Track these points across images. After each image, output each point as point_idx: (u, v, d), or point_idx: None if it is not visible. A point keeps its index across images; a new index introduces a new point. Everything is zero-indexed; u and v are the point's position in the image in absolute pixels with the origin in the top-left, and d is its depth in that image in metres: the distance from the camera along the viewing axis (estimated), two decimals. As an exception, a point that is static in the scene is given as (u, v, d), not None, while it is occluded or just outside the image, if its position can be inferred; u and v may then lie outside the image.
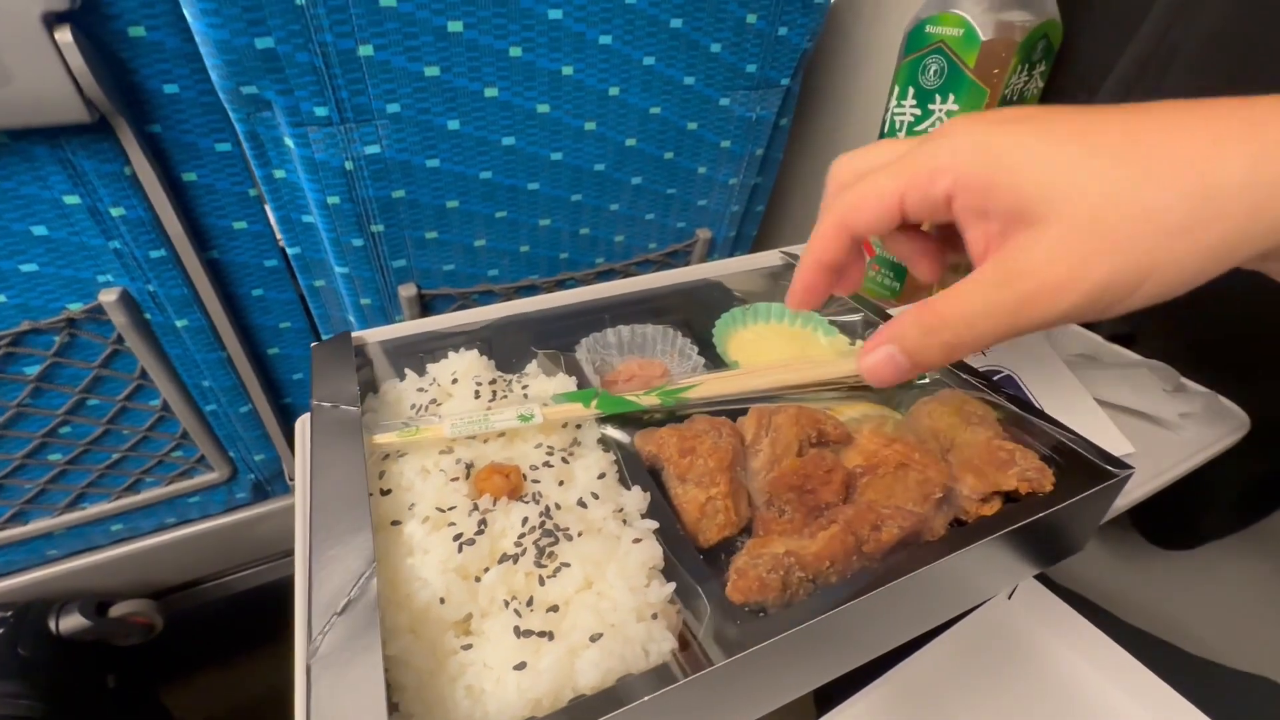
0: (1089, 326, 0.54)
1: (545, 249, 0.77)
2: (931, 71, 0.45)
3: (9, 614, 0.73)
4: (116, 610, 0.81)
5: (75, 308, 0.63)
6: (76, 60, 0.50)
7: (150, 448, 0.76)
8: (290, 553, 1.03)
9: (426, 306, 0.75)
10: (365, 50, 0.54)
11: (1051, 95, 0.47)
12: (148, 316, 0.66)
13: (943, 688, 0.44)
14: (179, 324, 0.68)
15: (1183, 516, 0.54)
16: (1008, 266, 0.24)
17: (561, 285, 0.81)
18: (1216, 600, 0.61)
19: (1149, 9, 0.40)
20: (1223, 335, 0.50)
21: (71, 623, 0.76)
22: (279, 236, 0.69)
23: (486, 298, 0.77)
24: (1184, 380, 0.46)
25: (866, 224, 0.30)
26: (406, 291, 0.71)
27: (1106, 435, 0.37)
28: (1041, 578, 0.51)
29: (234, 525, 0.89)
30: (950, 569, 0.27)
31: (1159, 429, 0.39)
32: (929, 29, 0.44)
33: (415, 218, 0.66)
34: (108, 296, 0.62)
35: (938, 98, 0.45)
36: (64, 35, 0.49)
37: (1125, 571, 0.64)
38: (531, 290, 0.79)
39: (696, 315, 0.48)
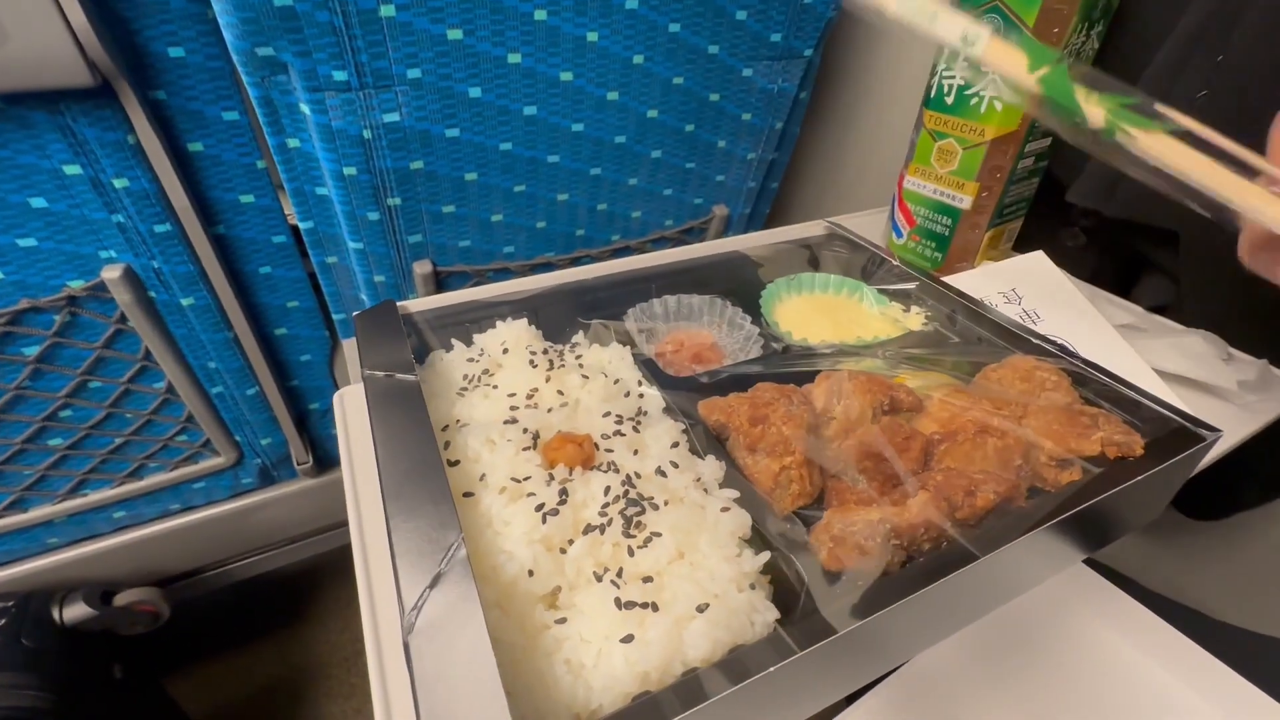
0: (1128, 297, 0.54)
1: (562, 225, 0.75)
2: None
3: (10, 604, 0.71)
4: (121, 599, 0.79)
5: (76, 285, 0.60)
6: (78, 17, 0.47)
7: (154, 432, 0.73)
8: (300, 538, 1.01)
9: (441, 284, 0.73)
10: (387, 10, 0.51)
11: (1108, 55, 0.46)
12: (152, 294, 0.64)
13: (970, 665, 0.44)
14: (184, 302, 0.65)
15: (1219, 486, 0.54)
16: None
17: (577, 262, 0.79)
18: (1242, 572, 0.62)
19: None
20: (1266, 303, 0.50)
21: (76, 612, 0.74)
22: (288, 211, 0.66)
23: (502, 275, 0.75)
24: (1232, 350, 0.45)
25: None
26: (421, 268, 0.69)
27: (1207, 364, 0.36)
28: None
29: (240, 511, 0.87)
30: (1044, 538, 0.26)
31: (1214, 397, 0.39)
32: (984, -13, 0.43)
33: (433, 190, 0.64)
34: (111, 273, 0.59)
35: (991, 60, 0.44)
36: (65, -10, 0.46)
37: (1151, 545, 0.64)
38: (547, 268, 0.77)
39: (739, 286, 0.46)
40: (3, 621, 0.69)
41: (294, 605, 1.15)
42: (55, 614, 0.73)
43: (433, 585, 0.21)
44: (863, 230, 0.58)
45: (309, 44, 0.50)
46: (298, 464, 0.85)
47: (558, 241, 0.77)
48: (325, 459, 0.89)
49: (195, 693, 0.99)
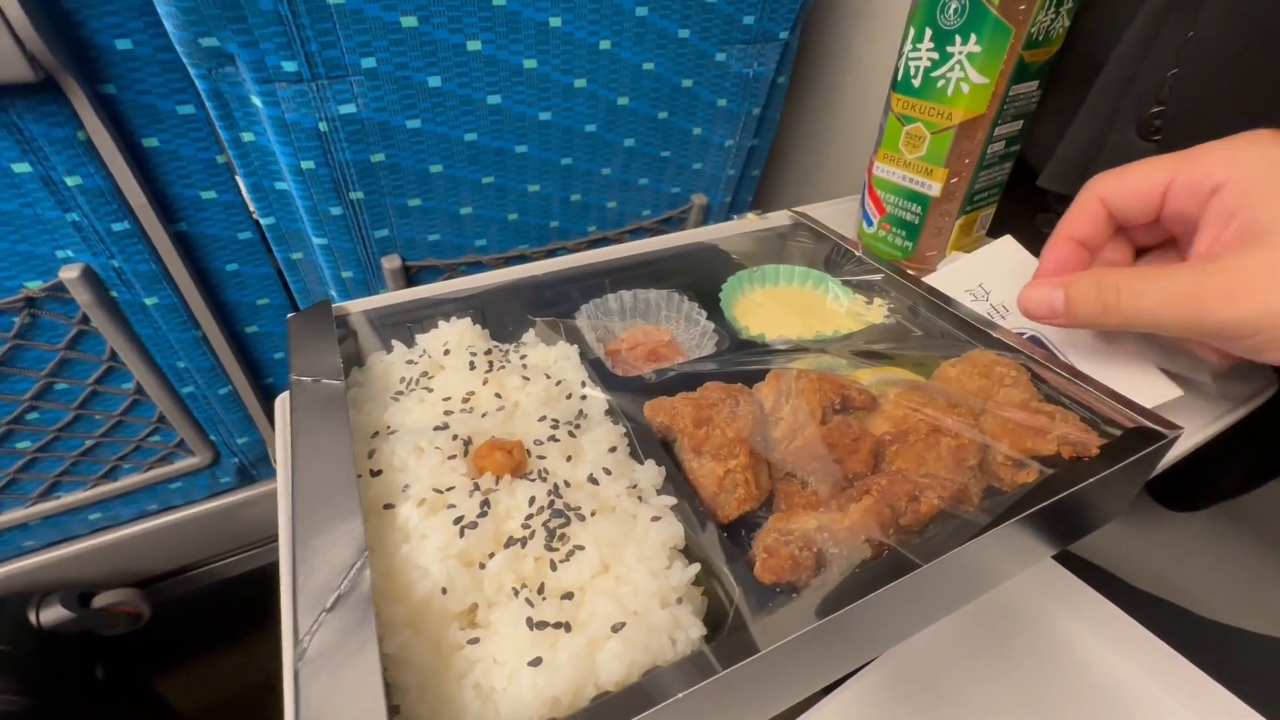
0: None
1: (535, 217, 0.73)
2: (951, 10, 0.42)
3: (-14, 608, 0.71)
4: (100, 600, 0.78)
5: (34, 286, 0.59)
6: (14, 10, 0.45)
7: (126, 432, 0.73)
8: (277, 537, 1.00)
9: (411, 279, 0.71)
10: (335, -3, 0.49)
11: (1078, 34, 0.44)
12: (114, 294, 0.63)
13: (944, 663, 0.43)
14: (148, 301, 0.64)
15: (1197, 476, 0.52)
16: (1220, 262, 0.27)
17: (553, 255, 0.78)
18: (1225, 563, 0.61)
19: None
20: None
21: (53, 615, 0.74)
22: (251, 207, 0.65)
23: (474, 269, 0.74)
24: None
25: (1126, 200, 0.33)
26: (390, 263, 0.68)
27: (1151, 383, 0.35)
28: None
29: (219, 511, 0.86)
30: (995, 541, 0.25)
31: (1189, 387, 0.37)
32: (949, -37, 0.41)
33: (397, 184, 0.62)
34: (69, 273, 0.58)
35: (958, 39, 0.42)
36: (-2, -18, 0.44)
37: (1132, 537, 0.63)
38: (521, 260, 0.76)
39: (701, 279, 0.45)
40: (-23, 625, 0.69)
41: (278, 603, 1.14)
42: (32, 617, 0.73)
43: (330, 609, 0.20)
44: (836, 219, 0.57)
45: (254, 33, 0.48)
46: (275, 463, 0.85)
47: (531, 234, 0.75)
48: (303, 457, 0.88)
49: (185, 691, 1.00)
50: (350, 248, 0.65)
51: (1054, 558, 0.46)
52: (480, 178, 0.66)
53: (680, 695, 0.19)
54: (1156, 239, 0.37)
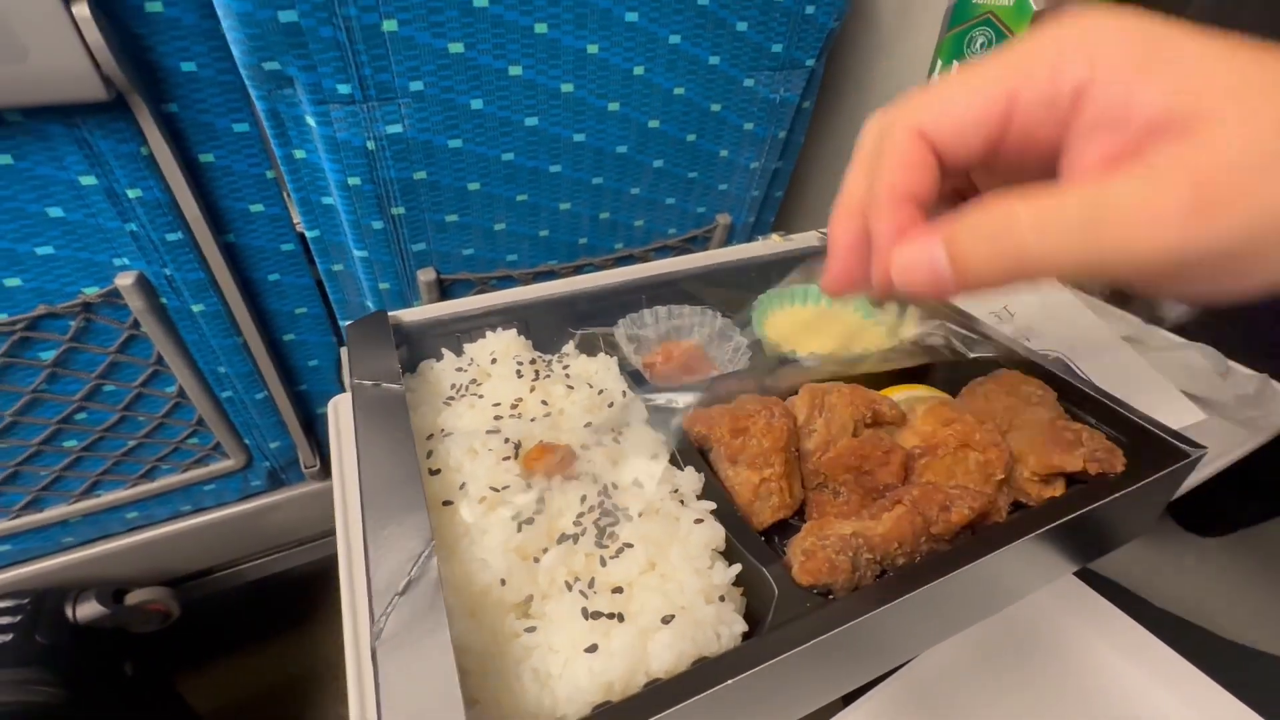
0: (1125, 308, 0.53)
1: (565, 233, 0.76)
2: (978, 44, 0.44)
3: (26, 601, 0.73)
4: (133, 598, 0.80)
5: (91, 291, 0.61)
6: (94, 35, 0.48)
7: (166, 434, 0.75)
8: (306, 540, 1.03)
9: (445, 292, 0.74)
10: (389, 25, 0.52)
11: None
12: (164, 301, 0.65)
13: (966, 678, 0.43)
14: (195, 309, 0.67)
15: (1222, 502, 0.53)
16: (1159, 168, 0.18)
17: (579, 271, 0.80)
18: (1247, 587, 0.60)
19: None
20: (1265, 318, 0.49)
21: (89, 610, 0.76)
22: (296, 219, 0.67)
23: (505, 283, 0.76)
24: (1231, 364, 0.45)
25: (952, 130, 0.21)
26: (425, 276, 0.70)
27: (1176, 406, 0.36)
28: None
29: (249, 513, 0.89)
30: (1020, 553, 0.26)
31: (1213, 413, 0.38)
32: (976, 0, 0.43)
33: (436, 200, 0.65)
34: (124, 280, 0.61)
35: (984, 72, 0.44)
36: (81, 10, 0.48)
37: (1157, 559, 0.63)
38: (550, 276, 0.78)
39: (732, 297, 0.47)
40: (18, 618, 0.71)
41: (301, 607, 1.16)
42: (69, 612, 0.75)
43: (402, 593, 0.22)
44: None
45: (314, 58, 0.52)
46: (305, 467, 0.87)
47: (560, 250, 0.77)
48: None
49: (205, 691, 1.01)
50: (389, 260, 0.68)
51: (1077, 575, 0.47)
52: (515, 195, 0.68)
53: (730, 682, 0.20)
54: (995, 183, 0.26)
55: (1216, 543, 0.60)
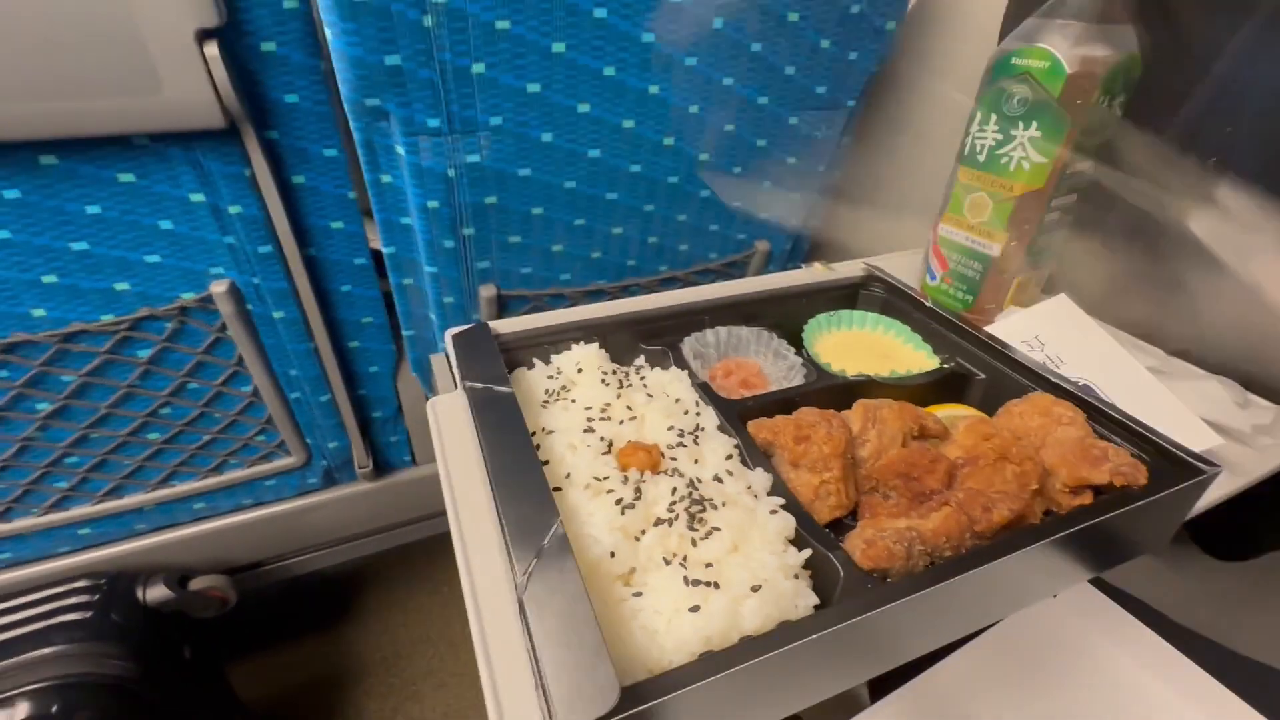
0: (1151, 341, 0.57)
1: (615, 255, 0.81)
2: (1015, 100, 0.48)
3: (103, 582, 0.78)
4: (196, 584, 0.85)
5: (189, 297, 0.67)
6: (220, 73, 0.54)
7: (237, 431, 0.80)
8: (350, 539, 1.07)
9: (503, 306, 0.79)
10: (478, 68, 0.58)
11: (1129, 126, 0.50)
12: (249, 307, 0.71)
13: (984, 686, 0.45)
14: (276, 315, 0.73)
15: (1241, 527, 0.56)
16: None
17: (627, 291, 0.85)
18: (1269, 610, 0.62)
19: (1223, 47, 0.44)
20: None
21: (157, 593, 0.81)
22: (371, 236, 0.73)
23: (557, 300, 0.81)
24: (1250, 395, 0.48)
25: None
26: (486, 291, 0.76)
27: (1195, 431, 0.40)
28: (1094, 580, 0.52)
29: (302, 510, 0.93)
30: (1051, 550, 0.30)
31: (1230, 439, 0.42)
32: (1015, 60, 0.48)
33: (503, 222, 0.70)
34: (218, 288, 0.67)
35: (1020, 124, 0.49)
36: (211, 49, 0.54)
37: (1181, 582, 0.66)
38: (599, 295, 0.83)
39: (784, 320, 0.51)
40: (96, 597, 0.76)
41: (341, 604, 1.21)
42: (140, 594, 0.80)
43: (538, 556, 0.26)
44: (899, 269, 0.63)
45: (410, 96, 0.57)
46: (359, 468, 0.92)
47: (610, 270, 0.83)
48: (384, 464, 0.95)
49: (249, 681, 1.05)
50: (455, 276, 0.73)
51: (1101, 590, 0.50)
52: (574, 220, 0.74)
53: (811, 637, 0.25)
54: None
55: (1241, 568, 0.62)
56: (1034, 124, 0.47)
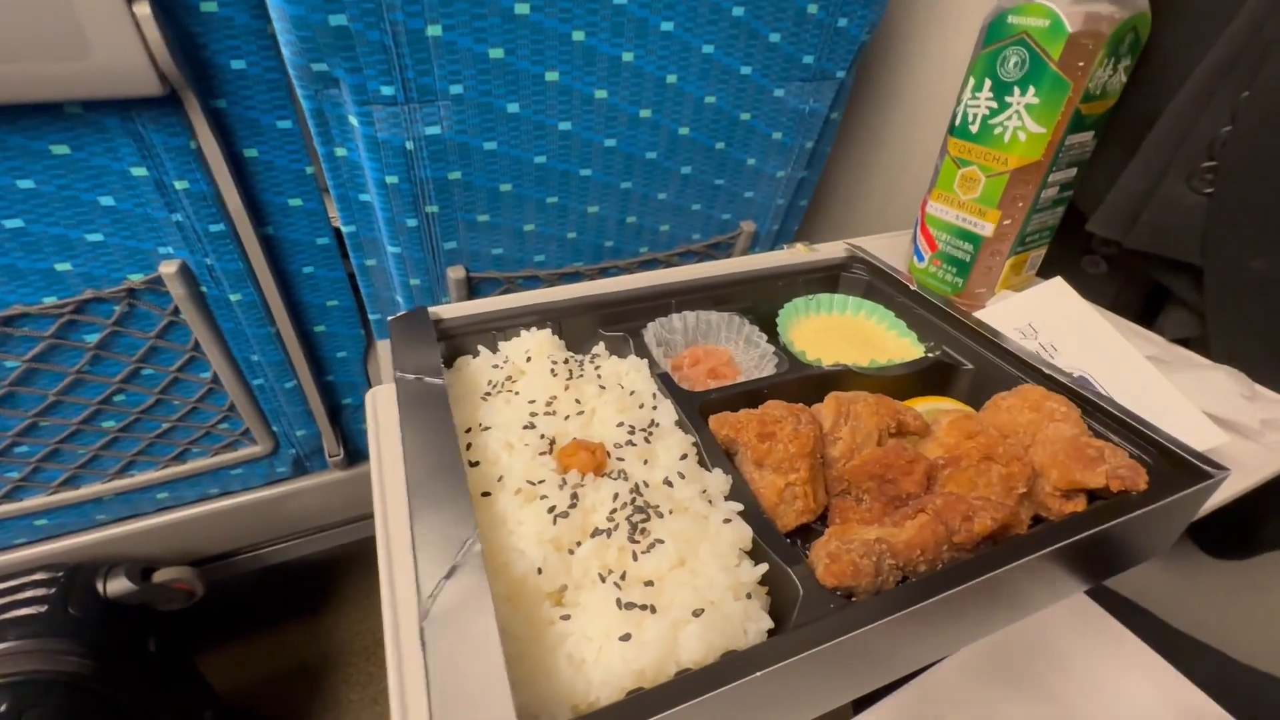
0: (1150, 327, 0.53)
1: (592, 236, 0.77)
2: (1011, 63, 0.44)
3: (60, 574, 0.75)
4: (160, 576, 0.83)
5: (136, 278, 0.64)
6: (153, 33, 0.50)
7: (198, 419, 0.77)
8: (326, 528, 1.05)
9: (473, 289, 0.75)
10: (434, 30, 0.54)
11: (1133, 87, 0.46)
12: (204, 289, 0.68)
13: (974, 694, 0.43)
14: (233, 298, 0.69)
15: (1241, 525, 0.53)
16: None
17: (605, 273, 0.81)
18: (1268, 612, 0.60)
19: (1242, 3, 0.39)
20: None
21: (118, 586, 0.78)
22: (333, 215, 0.69)
23: (531, 283, 0.78)
24: (1258, 387, 0.45)
25: None
26: (455, 274, 0.72)
27: (1198, 427, 0.36)
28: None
29: (273, 499, 0.91)
30: (1042, 565, 0.27)
31: (1237, 435, 0.39)
32: (1011, 19, 0.44)
33: (469, 200, 0.66)
34: (168, 268, 0.63)
35: (1016, 90, 0.45)
36: (142, 9, 0.49)
37: (1176, 581, 0.63)
38: (576, 277, 0.79)
39: (759, 304, 0.48)
40: (53, 591, 0.74)
41: (318, 593, 1.19)
42: (100, 586, 0.77)
43: (448, 576, 0.23)
44: (886, 252, 0.59)
45: (360, 60, 0.53)
46: (329, 456, 0.89)
47: (586, 252, 0.79)
48: (355, 452, 0.92)
49: (223, 671, 1.03)
50: (420, 257, 0.69)
51: (1095, 595, 0.47)
52: (545, 197, 0.70)
53: (757, 675, 0.21)
54: None
55: (1237, 566, 0.59)
56: (1031, 90, 0.43)
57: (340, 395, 0.87)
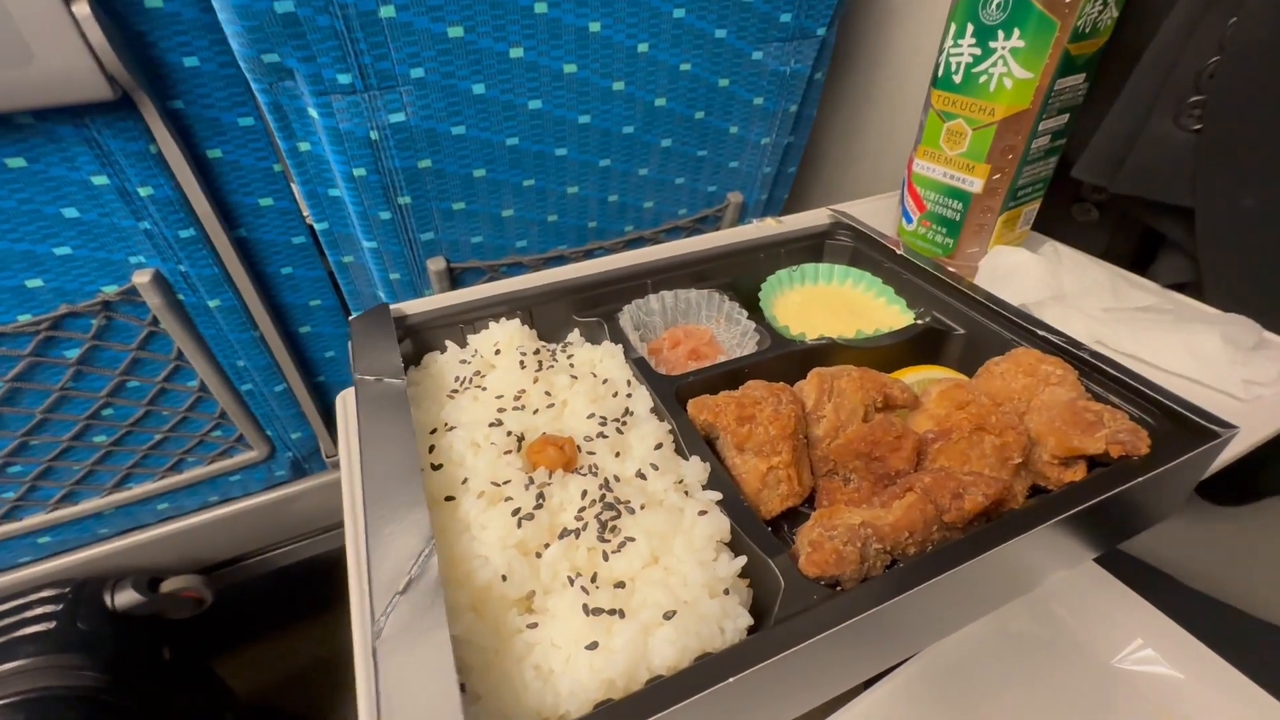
0: (1145, 273, 0.51)
1: (574, 218, 0.75)
2: (994, 4, 0.41)
3: (67, 590, 0.76)
4: (168, 585, 0.83)
5: (110, 290, 0.63)
6: (96, 35, 0.48)
7: (190, 428, 0.77)
8: (332, 528, 1.05)
9: (456, 280, 0.74)
10: (386, 11, 0.51)
11: (1125, 23, 0.43)
12: (181, 297, 0.66)
13: (982, 664, 0.42)
14: (211, 304, 0.68)
15: (1240, 472, 0.51)
16: None
17: (590, 255, 0.79)
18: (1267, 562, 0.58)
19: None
20: None
21: (126, 598, 0.78)
22: (306, 213, 0.68)
23: (515, 269, 0.76)
24: (1267, 334, 0.42)
25: None
26: (435, 265, 0.70)
27: (1215, 367, 0.34)
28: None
29: (275, 502, 0.91)
30: (1039, 541, 0.25)
31: (1241, 391, 0.37)
32: (991, -42, 0.41)
33: (442, 188, 0.64)
34: (141, 278, 0.62)
35: (1000, 34, 0.42)
36: (82, 9, 0.48)
37: (1187, 533, 0.61)
38: (560, 261, 0.77)
39: (741, 279, 0.46)
40: (60, 606, 0.74)
41: (330, 590, 1.19)
42: (108, 600, 0.78)
43: (403, 591, 0.22)
44: (874, 216, 0.56)
45: (312, 48, 0.51)
46: (326, 457, 0.88)
47: (570, 234, 0.77)
48: (353, 452, 0.91)
49: (241, 673, 1.05)
50: (398, 250, 0.68)
51: (1102, 559, 0.45)
52: (521, 181, 0.68)
53: (731, 680, 0.20)
54: None
55: (1249, 516, 0.58)
56: (1015, 32, 0.40)
57: (332, 395, 0.86)
